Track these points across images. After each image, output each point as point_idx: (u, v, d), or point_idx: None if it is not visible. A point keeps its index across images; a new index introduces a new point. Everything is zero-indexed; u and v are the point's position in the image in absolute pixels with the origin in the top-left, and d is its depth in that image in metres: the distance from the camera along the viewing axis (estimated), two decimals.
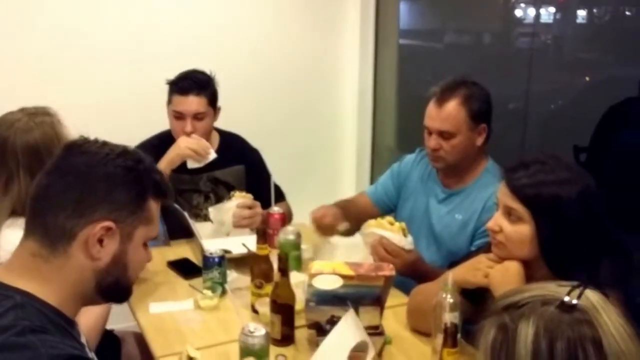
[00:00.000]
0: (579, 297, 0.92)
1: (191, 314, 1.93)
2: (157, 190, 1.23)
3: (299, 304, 1.81)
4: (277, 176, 2.61)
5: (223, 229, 2.34)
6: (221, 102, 2.59)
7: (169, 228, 2.48)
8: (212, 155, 2.50)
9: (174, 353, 1.70)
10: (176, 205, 2.30)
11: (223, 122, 2.66)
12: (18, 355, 1.01)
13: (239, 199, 2.36)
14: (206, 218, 2.51)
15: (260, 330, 1.58)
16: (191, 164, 2.48)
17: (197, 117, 2.47)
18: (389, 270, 1.64)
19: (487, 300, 1.63)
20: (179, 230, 2.43)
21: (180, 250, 2.35)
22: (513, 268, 1.58)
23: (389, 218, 2.08)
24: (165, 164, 2.35)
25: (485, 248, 1.77)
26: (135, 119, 2.83)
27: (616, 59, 2.63)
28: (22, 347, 1.02)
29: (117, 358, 2.09)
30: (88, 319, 1.61)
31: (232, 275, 2.09)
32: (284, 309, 1.76)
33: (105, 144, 1.21)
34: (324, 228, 2.25)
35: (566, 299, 0.92)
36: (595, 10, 2.83)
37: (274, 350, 1.66)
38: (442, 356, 1.43)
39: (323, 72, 3.55)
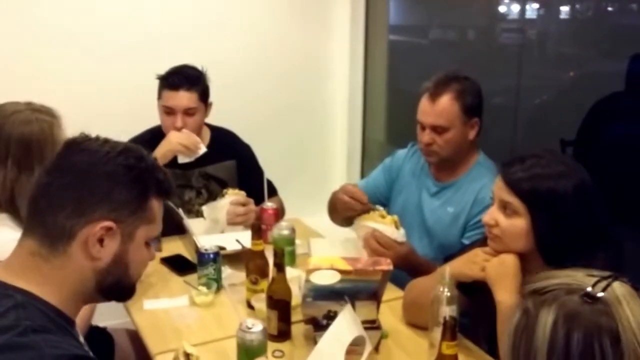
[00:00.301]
0: (604, 288, 0.92)
1: (186, 311, 1.92)
2: (160, 189, 1.21)
3: (295, 300, 1.81)
4: (268, 171, 2.61)
5: (217, 227, 2.33)
6: (211, 97, 2.58)
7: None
8: (202, 150, 2.50)
9: (170, 350, 1.68)
10: (169, 202, 2.29)
11: (213, 117, 2.65)
12: (21, 355, 1.00)
13: (232, 196, 2.35)
14: (198, 214, 2.50)
15: (257, 326, 1.57)
16: (182, 159, 2.47)
17: (187, 112, 2.45)
18: (386, 264, 1.64)
19: (483, 294, 1.64)
20: (171, 227, 2.41)
21: (173, 246, 2.34)
22: (509, 261, 1.59)
23: (381, 211, 2.09)
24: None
25: (481, 242, 1.78)
26: (126, 115, 2.80)
27: (600, 54, 2.64)
28: (24, 348, 1.01)
29: (111, 356, 2.08)
30: None
31: (227, 271, 2.08)
32: (280, 305, 1.76)
33: (106, 141, 1.19)
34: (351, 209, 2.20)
35: (589, 289, 0.92)
36: (577, 6, 2.85)
37: (270, 346, 1.66)
38: (442, 349, 1.43)
39: (313, 67, 3.53)
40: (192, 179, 2.56)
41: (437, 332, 1.62)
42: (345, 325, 1.56)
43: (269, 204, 2.38)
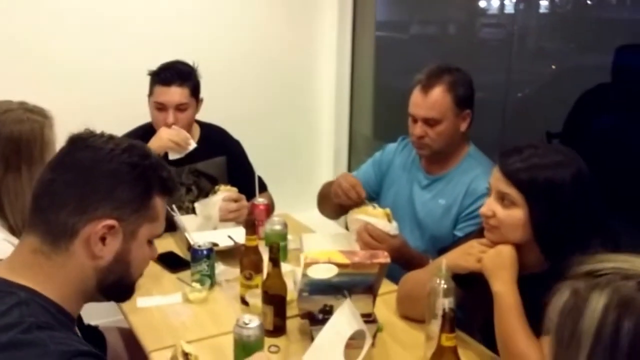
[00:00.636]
0: None
1: (180, 308, 1.90)
2: (163, 187, 1.20)
3: (289, 295, 1.80)
4: (255, 167, 2.61)
5: (209, 224, 2.31)
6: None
7: None
8: (192, 145, 2.48)
9: (165, 347, 1.68)
10: None
11: (200, 114, 2.63)
12: (26, 352, 0.99)
13: (224, 193, 2.34)
14: (188, 210, 2.49)
15: (254, 322, 1.56)
16: (172, 155, 2.46)
17: (179, 108, 2.43)
18: (384, 257, 1.63)
19: (477, 286, 1.65)
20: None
21: (165, 243, 2.31)
22: (506, 252, 1.60)
23: (374, 204, 2.09)
24: None
25: (475, 234, 1.78)
26: (118, 112, 2.75)
27: (580, 48, 2.65)
28: (30, 344, 1.00)
29: (103, 354, 2.06)
30: None
31: (220, 267, 2.07)
32: (275, 300, 1.75)
33: (111, 138, 1.18)
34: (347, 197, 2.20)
35: None
36: (557, 1, 2.86)
37: (266, 342, 1.65)
38: (441, 341, 1.43)
39: (301, 63, 3.52)
40: (182, 176, 2.55)
41: (434, 325, 1.63)
42: (345, 319, 1.56)
43: (260, 200, 2.37)
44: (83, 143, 1.17)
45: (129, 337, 1.99)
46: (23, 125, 1.75)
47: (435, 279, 1.63)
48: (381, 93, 3.64)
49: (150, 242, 1.23)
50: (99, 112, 2.62)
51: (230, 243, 2.17)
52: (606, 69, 2.43)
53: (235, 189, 2.39)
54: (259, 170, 2.59)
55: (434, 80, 2.14)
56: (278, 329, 1.76)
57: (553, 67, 2.90)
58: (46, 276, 1.12)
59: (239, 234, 2.22)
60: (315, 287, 1.65)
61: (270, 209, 2.42)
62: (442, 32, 3.50)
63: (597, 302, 0.88)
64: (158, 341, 1.72)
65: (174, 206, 2.22)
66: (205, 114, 2.66)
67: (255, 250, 1.91)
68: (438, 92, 2.13)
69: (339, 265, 1.60)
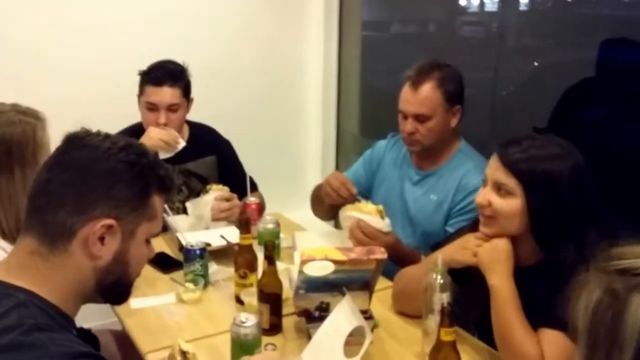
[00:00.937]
0: None
1: (174, 308, 1.89)
2: (161, 185, 1.19)
3: (284, 292, 1.79)
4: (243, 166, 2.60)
5: (201, 223, 2.29)
6: None
7: None
8: (182, 144, 2.47)
9: (161, 347, 1.66)
10: None
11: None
12: (26, 355, 0.97)
13: (216, 192, 2.33)
14: (179, 211, 2.47)
15: (251, 320, 1.56)
16: (162, 155, 2.43)
17: (170, 108, 2.42)
18: (380, 253, 1.63)
19: (473, 281, 1.65)
20: None
21: (155, 244, 2.27)
22: (502, 245, 1.60)
23: (366, 201, 2.09)
24: None
25: (467, 229, 1.78)
26: (110, 111, 2.72)
27: (561, 44, 2.67)
28: (30, 347, 0.98)
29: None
30: None
31: (213, 267, 2.06)
32: (272, 298, 1.75)
33: (107, 136, 1.17)
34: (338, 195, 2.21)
35: None
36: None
37: (262, 340, 1.63)
38: (440, 336, 1.43)
39: (288, 62, 3.52)
40: (172, 176, 2.52)
41: (431, 320, 1.63)
42: (344, 315, 1.55)
43: (251, 199, 2.36)
44: (79, 142, 1.15)
45: (122, 340, 1.97)
46: (14, 127, 1.72)
47: (431, 274, 1.63)
48: (368, 91, 3.64)
49: (147, 241, 1.22)
50: (91, 111, 2.60)
51: (223, 243, 2.16)
52: (587, 64, 2.44)
53: (227, 188, 2.37)
54: (247, 169, 2.58)
55: (423, 77, 2.14)
56: (274, 328, 1.75)
57: (535, 63, 2.92)
58: (44, 278, 1.10)
59: (231, 234, 2.21)
60: (312, 285, 1.65)
61: (262, 208, 2.41)
62: (427, 31, 3.51)
63: (639, 307, 0.84)
64: (153, 342, 1.71)
65: (166, 206, 2.19)
66: (191, 114, 2.64)
67: (249, 248, 1.90)
68: (428, 88, 2.13)
69: (335, 262, 1.60)
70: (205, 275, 1.98)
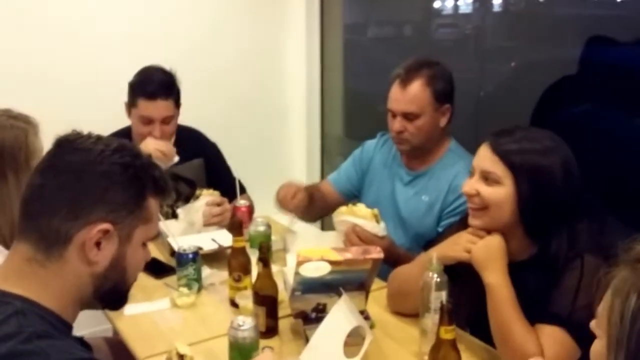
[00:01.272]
0: None
1: (169, 313, 1.87)
2: (156, 187, 1.17)
3: (279, 295, 1.79)
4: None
5: (193, 229, 2.27)
6: None
7: None
8: (176, 159, 2.44)
9: (157, 353, 1.65)
10: None
11: None
12: None
13: (207, 197, 2.31)
14: (168, 215, 2.44)
15: (249, 323, 1.55)
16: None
17: (164, 120, 2.40)
18: (376, 253, 1.63)
19: (467, 278, 1.65)
20: None
21: None
22: (495, 243, 1.60)
23: (361, 205, 2.08)
24: None
25: (458, 225, 1.79)
26: (98, 115, 2.71)
27: (536, 44, 2.69)
28: (30, 355, 0.97)
29: None
30: None
31: (205, 271, 2.04)
32: (267, 301, 1.74)
33: (99, 138, 1.14)
34: (287, 205, 2.24)
35: None
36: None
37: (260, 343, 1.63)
38: (440, 334, 1.43)
39: (270, 65, 3.52)
40: (167, 178, 2.50)
41: (428, 319, 1.63)
42: (342, 315, 1.55)
43: (241, 202, 2.35)
44: (71, 145, 1.13)
45: (116, 347, 1.95)
46: (6, 132, 1.70)
47: (427, 272, 1.64)
48: (350, 93, 3.65)
49: (144, 245, 1.21)
50: (80, 116, 2.58)
51: (215, 246, 2.15)
52: (562, 63, 2.46)
53: (217, 193, 2.36)
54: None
55: (412, 75, 2.13)
56: (270, 330, 1.75)
57: (512, 64, 2.94)
58: (41, 284, 1.08)
59: (222, 237, 2.20)
60: (308, 286, 1.64)
61: (252, 210, 2.40)
62: (404, 34, 3.53)
63: None
64: (149, 348, 1.69)
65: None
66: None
67: (243, 251, 1.89)
68: (417, 86, 2.12)
69: (332, 262, 1.59)
70: (198, 280, 1.97)
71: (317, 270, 1.61)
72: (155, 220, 1.21)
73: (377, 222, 2.02)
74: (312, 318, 1.69)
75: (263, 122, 3.56)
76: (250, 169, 3.16)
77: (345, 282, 1.65)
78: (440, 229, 2.13)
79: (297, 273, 1.60)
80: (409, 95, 2.12)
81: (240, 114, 3.43)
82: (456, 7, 3.14)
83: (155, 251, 2.26)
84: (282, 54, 3.54)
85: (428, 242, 1.99)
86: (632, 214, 2.17)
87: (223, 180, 2.52)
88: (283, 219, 2.58)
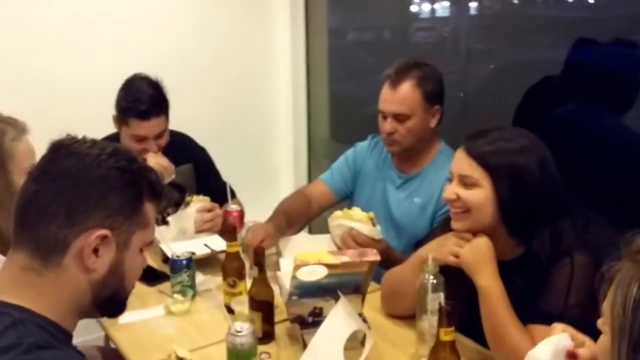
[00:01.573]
0: None
1: (163, 321, 1.86)
2: (153, 191, 1.16)
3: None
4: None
5: (185, 236, 2.25)
6: None
7: None
8: (172, 177, 2.41)
9: None
10: None
11: None
12: None
13: (197, 204, 2.29)
14: (158, 222, 2.42)
15: (247, 329, 1.54)
16: None
17: (158, 135, 2.37)
18: (373, 255, 1.63)
19: (456, 281, 1.65)
20: None
21: None
22: (483, 245, 1.60)
23: (356, 208, 2.08)
24: None
25: (441, 227, 1.80)
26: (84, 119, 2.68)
27: (512, 46, 2.70)
28: None
29: None
30: None
31: (199, 277, 2.03)
32: (263, 306, 1.73)
33: (94, 142, 1.12)
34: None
35: None
36: (486, 2, 2.91)
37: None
38: (439, 336, 1.43)
39: (256, 69, 3.51)
40: (162, 181, 2.48)
41: (425, 321, 1.64)
42: (340, 319, 1.54)
43: (232, 207, 2.34)
44: (66, 150, 1.11)
45: (109, 356, 1.94)
46: None
47: (423, 274, 1.64)
48: (335, 96, 3.65)
49: (141, 251, 1.19)
50: (65, 118, 2.55)
51: (207, 251, 2.14)
52: (541, 64, 2.49)
53: (207, 198, 2.34)
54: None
55: (402, 76, 2.13)
56: (267, 336, 1.74)
57: (491, 66, 2.96)
58: (39, 294, 1.06)
59: (214, 242, 2.19)
60: (305, 290, 1.64)
61: (243, 215, 2.39)
62: (383, 37, 3.54)
63: None
64: (145, 357, 1.68)
65: None
66: None
67: (237, 256, 1.88)
68: (407, 87, 2.12)
69: (329, 265, 1.59)
70: (193, 286, 1.96)
71: (314, 273, 1.60)
72: (153, 225, 1.19)
73: (374, 225, 2.03)
74: (309, 322, 1.69)
75: (250, 126, 3.55)
76: (237, 173, 3.15)
77: (342, 285, 1.64)
78: None
79: (294, 277, 1.60)
80: (400, 96, 2.13)
81: (226, 118, 3.42)
82: (433, 10, 3.15)
83: (147, 258, 2.24)
84: (268, 57, 3.53)
85: (418, 242, 1.99)
86: (613, 212, 2.20)
87: (213, 185, 2.51)
88: None
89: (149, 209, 1.16)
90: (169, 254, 1.99)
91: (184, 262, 1.94)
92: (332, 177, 2.44)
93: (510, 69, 2.71)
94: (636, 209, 2.14)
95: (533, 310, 1.54)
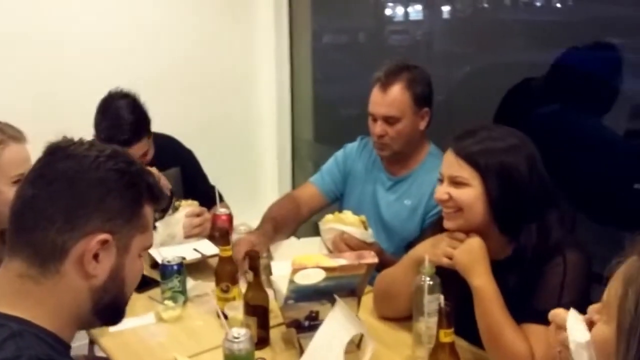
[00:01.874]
0: None
1: (155, 328, 1.82)
2: (151, 194, 1.13)
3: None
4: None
5: (174, 242, 2.21)
6: None
7: None
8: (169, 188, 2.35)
9: None
10: None
11: None
12: None
13: (186, 208, 2.26)
14: None
15: (244, 335, 1.52)
16: None
17: (143, 155, 2.33)
18: (371, 257, 1.61)
19: (451, 281, 1.64)
20: None
21: None
22: (476, 245, 1.60)
23: (347, 212, 2.06)
24: None
25: (432, 228, 1.79)
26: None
27: (483, 50, 2.71)
28: None
29: None
30: None
31: (190, 282, 2.00)
32: (258, 311, 1.71)
33: (92, 144, 1.09)
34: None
35: None
36: (458, 6, 2.93)
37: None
38: (439, 338, 1.43)
39: (240, 72, 3.48)
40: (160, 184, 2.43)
41: (422, 322, 1.63)
42: (338, 323, 1.52)
43: (221, 210, 2.31)
44: (63, 152, 1.07)
45: None
46: None
47: (419, 276, 1.63)
48: (319, 98, 3.64)
49: (139, 256, 1.16)
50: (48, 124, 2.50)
51: (198, 256, 2.10)
52: (513, 66, 2.51)
53: (196, 203, 2.31)
54: None
55: (392, 78, 2.13)
56: (262, 341, 1.72)
57: (467, 68, 2.97)
58: (36, 303, 1.03)
59: (204, 246, 2.16)
60: (301, 294, 1.61)
61: (232, 218, 2.35)
62: (358, 40, 3.54)
63: None
64: None
65: None
66: None
67: (230, 260, 1.86)
68: (397, 90, 2.12)
69: (327, 269, 1.57)
70: (184, 292, 1.92)
71: (311, 277, 1.58)
72: (151, 229, 1.16)
73: (365, 228, 2.02)
74: (305, 326, 1.66)
75: (234, 128, 3.52)
76: (221, 175, 3.13)
77: (338, 288, 1.62)
78: None
79: (291, 281, 1.57)
80: (389, 99, 2.13)
81: (210, 120, 3.38)
82: (406, 14, 3.15)
83: None
84: (252, 59, 3.51)
85: (409, 244, 1.98)
86: (594, 210, 2.22)
87: (200, 188, 2.48)
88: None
89: (148, 212, 1.13)
90: (159, 260, 1.95)
91: (175, 267, 1.90)
92: (322, 179, 2.42)
93: (485, 72, 2.72)
94: (616, 206, 2.17)
95: (527, 309, 1.54)
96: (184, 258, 2.00)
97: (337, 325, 1.53)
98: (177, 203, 2.29)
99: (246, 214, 2.72)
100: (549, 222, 1.56)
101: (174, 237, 2.21)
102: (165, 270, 1.90)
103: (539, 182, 1.57)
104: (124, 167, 1.08)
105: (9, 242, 1.06)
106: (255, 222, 2.57)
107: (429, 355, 1.49)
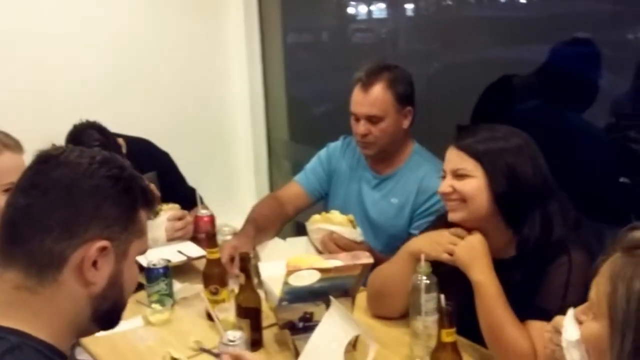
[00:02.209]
0: None
1: (143, 332, 1.78)
2: (145, 198, 1.10)
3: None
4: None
5: (157, 246, 2.14)
6: (102, 104, 2.43)
7: None
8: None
9: None
10: None
11: (109, 123, 2.40)
12: None
13: (167, 212, 2.21)
14: None
15: (240, 337, 1.49)
16: None
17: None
18: (366, 258, 1.60)
19: (452, 277, 1.64)
20: None
21: None
22: (477, 241, 1.61)
23: (335, 212, 2.05)
24: None
25: (435, 222, 1.79)
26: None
27: (448, 47, 2.73)
28: None
29: None
30: None
31: (176, 285, 1.95)
32: (251, 313, 1.68)
33: (82, 151, 1.06)
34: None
35: None
36: (421, 4, 2.95)
37: None
38: (441, 337, 1.42)
39: (211, 74, 3.41)
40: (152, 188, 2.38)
41: (420, 322, 1.62)
42: (335, 325, 1.50)
43: (203, 212, 2.26)
44: (55, 160, 1.04)
45: None
46: None
47: (416, 275, 1.63)
48: (294, 96, 3.62)
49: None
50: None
51: (183, 258, 2.06)
52: (480, 63, 2.53)
53: (177, 206, 2.27)
54: None
55: (373, 78, 2.13)
56: (255, 343, 1.69)
57: (436, 64, 2.98)
58: (34, 314, 0.99)
59: (188, 248, 2.12)
60: (296, 295, 1.59)
61: (214, 219, 2.31)
62: (322, 39, 3.55)
63: None
64: None
65: None
66: (115, 124, 2.46)
67: (218, 262, 1.83)
68: (378, 89, 2.12)
69: (322, 270, 1.54)
70: (171, 294, 1.88)
71: (306, 278, 1.56)
72: (147, 233, 1.14)
73: (354, 227, 2.00)
74: (299, 328, 1.64)
75: (208, 129, 3.44)
76: (197, 177, 3.07)
77: (333, 289, 1.60)
78: (413, 231, 2.11)
79: (286, 283, 1.55)
80: (371, 98, 2.12)
81: (184, 122, 3.30)
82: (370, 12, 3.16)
83: None
84: (224, 60, 3.43)
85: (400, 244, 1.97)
86: (579, 205, 2.25)
87: (179, 191, 2.43)
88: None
89: (143, 216, 1.11)
90: (144, 263, 1.90)
91: (161, 270, 1.86)
92: (306, 178, 2.40)
93: (454, 69, 2.73)
94: (602, 201, 2.19)
95: (530, 307, 1.54)
96: (169, 261, 1.96)
97: (334, 326, 1.50)
98: (158, 207, 2.24)
99: (224, 215, 2.69)
100: (550, 212, 1.57)
101: (157, 241, 2.16)
102: (150, 274, 1.86)
103: (539, 168, 1.59)
104: (117, 173, 1.06)
105: (3, 253, 1.02)
106: (234, 222, 2.54)
107: (430, 355, 1.48)
